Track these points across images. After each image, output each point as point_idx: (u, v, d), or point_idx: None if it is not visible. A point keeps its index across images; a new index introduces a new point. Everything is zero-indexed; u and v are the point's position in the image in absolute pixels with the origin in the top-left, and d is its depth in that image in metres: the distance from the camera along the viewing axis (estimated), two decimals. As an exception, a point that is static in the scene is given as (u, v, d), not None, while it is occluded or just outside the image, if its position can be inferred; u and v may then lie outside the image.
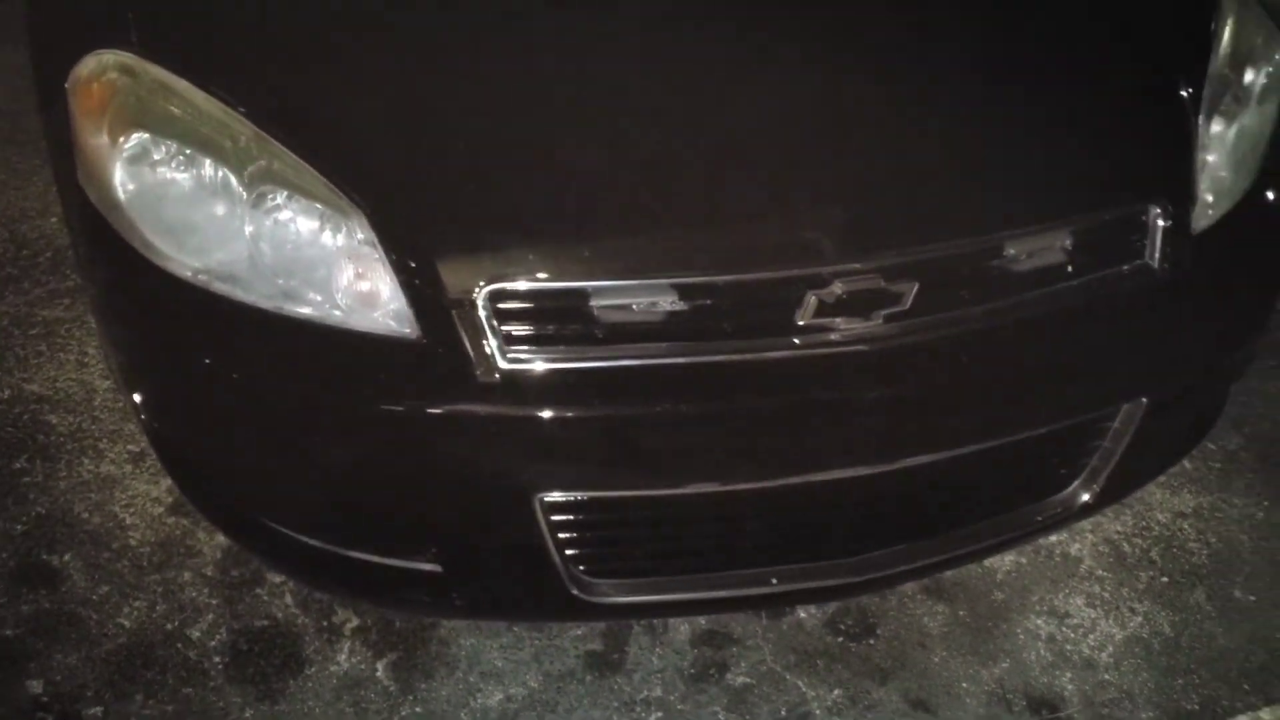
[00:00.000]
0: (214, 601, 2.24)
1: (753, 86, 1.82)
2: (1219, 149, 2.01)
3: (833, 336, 1.73)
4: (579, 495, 1.76)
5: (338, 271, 1.70)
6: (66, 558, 2.31)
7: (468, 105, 1.76)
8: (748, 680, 2.16)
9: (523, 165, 1.72)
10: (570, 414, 1.69)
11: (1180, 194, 1.92)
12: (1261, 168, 2.10)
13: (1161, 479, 2.62)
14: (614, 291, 1.68)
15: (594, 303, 1.68)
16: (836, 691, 2.15)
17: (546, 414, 1.68)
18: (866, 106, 1.83)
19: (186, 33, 1.85)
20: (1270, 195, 2.10)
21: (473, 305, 1.65)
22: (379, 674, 2.14)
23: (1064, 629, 2.29)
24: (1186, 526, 2.52)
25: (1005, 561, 2.41)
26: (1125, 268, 1.89)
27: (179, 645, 2.17)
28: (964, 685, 2.18)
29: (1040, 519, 2.03)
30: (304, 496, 1.86)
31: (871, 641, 2.25)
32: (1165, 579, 2.40)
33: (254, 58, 1.81)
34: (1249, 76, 2.08)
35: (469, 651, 2.18)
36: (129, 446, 2.51)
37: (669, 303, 1.69)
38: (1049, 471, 2.03)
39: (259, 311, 1.72)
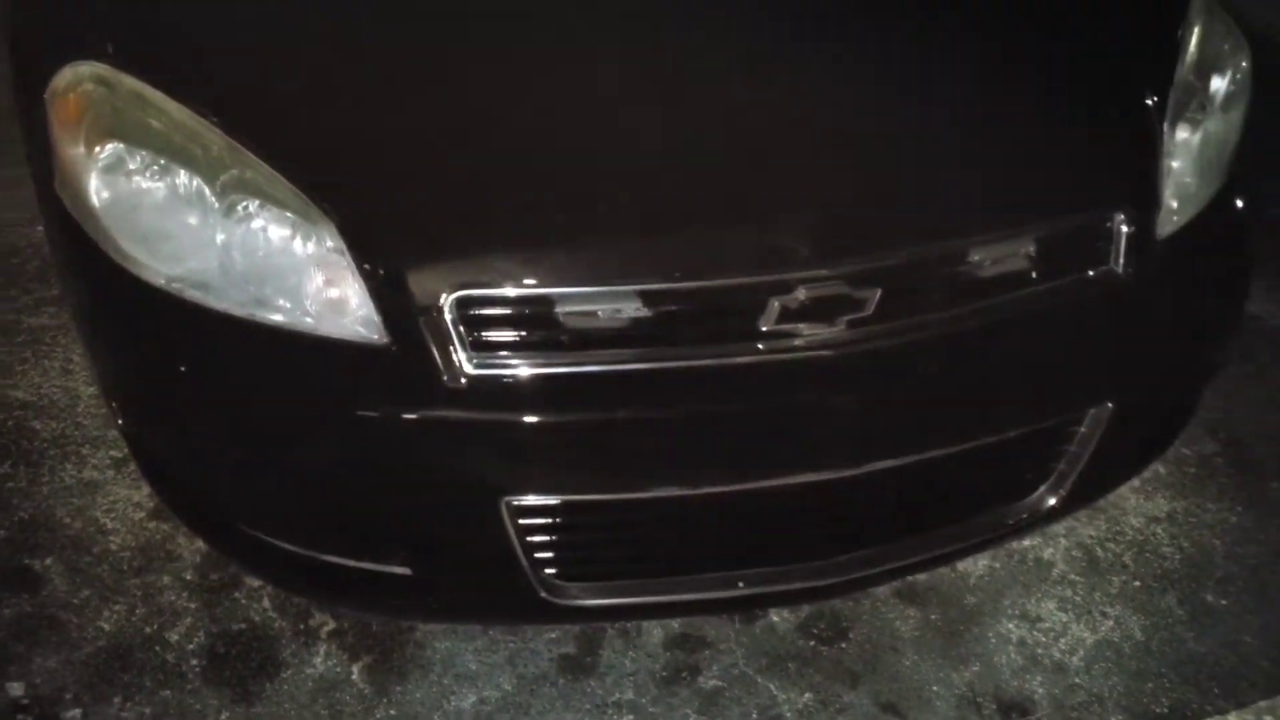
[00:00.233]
0: (193, 605, 2.27)
1: (717, 94, 1.84)
2: (1184, 156, 2.03)
3: (797, 342, 1.75)
4: (545, 499, 1.78)
5: (308, 279, 1.73)
6: (48, 562, 2.33)
7: (435, 115, 1.78)
8: (719, 683, 2.18)
9: (489, 174, 1.74)
10: (536, 419, 1.71)
11: (1145, 200, 1.94)
12: (1228, 173, 2.12)
13: (1135, 483, 2.65)
14: (579, 298, 1.70)
15: (560, 309, 1.70)
16: (807, 695, 2.17)
17: (512, 419, 1.71)
18: (830, 114, 1.85)
19: (161, 45, 1.88)
20: (1236, 201, 2.13)
21: (439, 311, 1.68)
22: (354, 677, 2.17)
23: (1035, 633, 2.31)
24: (1160, 531, 2.54)
25: (978, 566, 2.43)
26: (1090, 273, 1.91)
27: (157, 648, 2.19)
28: (935, 689, 2.20)
29: (1008, 523, 2.04)
30: (276, 501, 1.88)
31: (843, 645, 2.27)
32: (1138, 583, 2.42)
33: (227, 69, 1.84)
34: (1214, 84, 2.10)
35: (444, 654, 2.20)
36: (111, 452, 2.53)
37: (634, 309, 1.71)
38: (1016, 476, 2.04)
39: (231, 319, 1.74)
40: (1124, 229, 1.91)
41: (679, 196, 1.75)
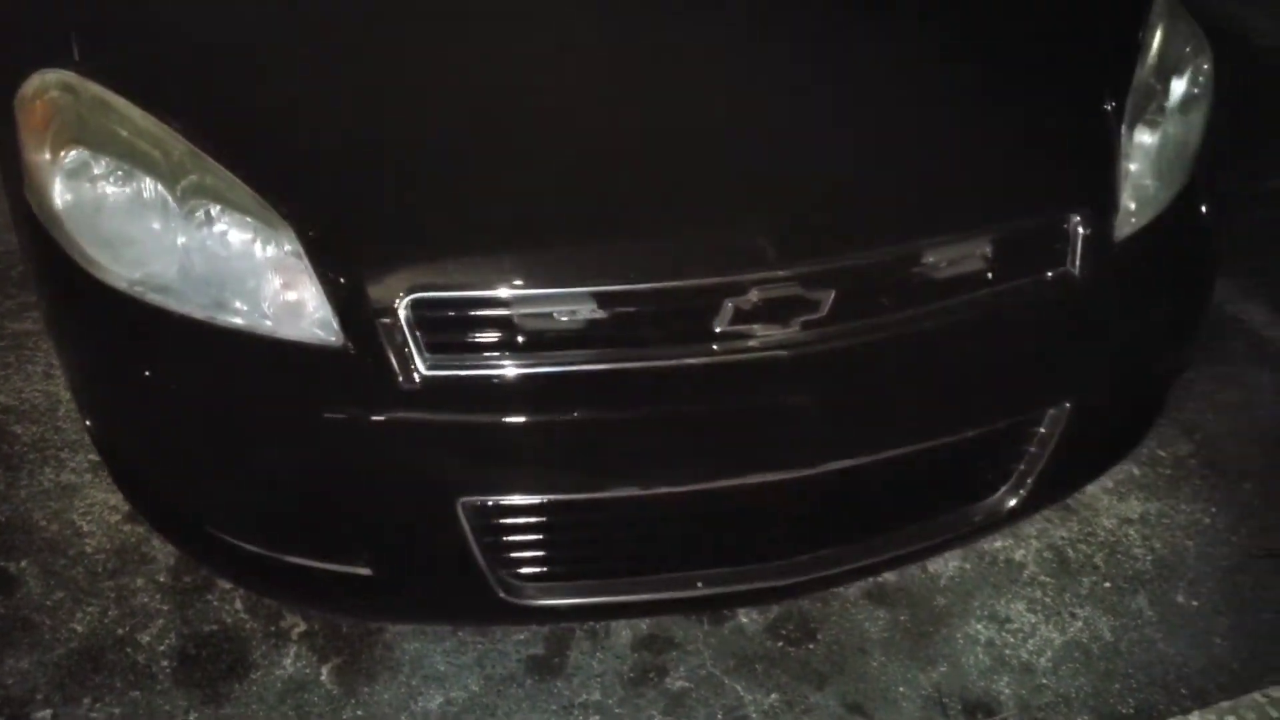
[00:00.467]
0: (165, 607, 2.29)
1: (670, 96, 1.86)
2: (1143, 158, 2.04)
3: (751, 343, 1.77)
4: (501, 499, 1.80)
5: (266, 282, 1.75)
6: (24, 564, 2.36)
7: (391, 121, 1.80)
8: (686, 684, 2.20)
9: (443, 178, 1.76)
10: (490, 419, 1.73)
11: (1101, 202, 1.95)
12: (1190, 175, 2.13)
13: (1109, 485, 2.66)
14: (532, 300, 1.72)
15: (512, 311, 1.72)
16: (774, 696, 2.18)
17: (466, 420, 1.73)
18: (785, 115, 1.87)
19: (126, 53, 1.90)
20: (1198, 202, 2.14)
21: (394, 313, 1.69)
22: (323, 678, 2.18)
23: (1004, 634, 2.32)
24: (1132, 532, 2.54)
25: (949, 567, 2.44)
26: (1047, 275, 1.92)
27: (129, 650, 2.21)
28: (901, 689, 2.21)
29: (969, 523, 2.06)
30: (239, 503, 1.90)
31: (811, 646, 2.28)
32: (1108, 584, 2.43)
33: (189, 77, 1.86)
34: (1175, 86, 2.11)
35: (413, 655, 2.22)
36: (89, 456, 2.55)
37: (587, 310, 1.73)
38: (976, 476, 2.05)
39: (192, 321, 1.77)
40: (1080, 231, 1.92)
41: (631, 199, 1.77)
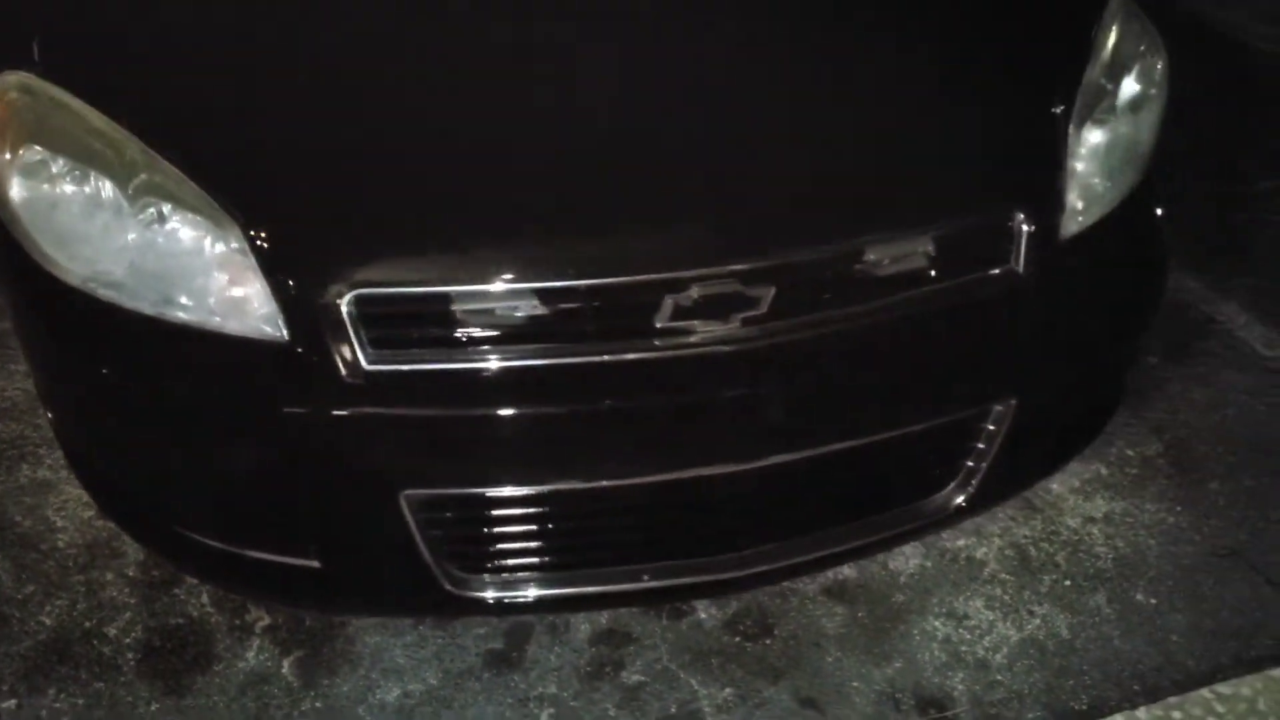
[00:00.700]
0: (133, 601, 2.33)
1: (609, 94, 1.89)
2: (1091, 157, 2.05)
3: (691, 339, 1.79)
4: (444, 492, 1.83)
5: (214, 278, 1.79)
6: (-4, 559, 2.41)
7: (336, 122, 1.84)
8: (642, 678, 2.22)
9: (386, 176, 1.79)
10: (432, 414, 1.77)
11: (1046, 201, 1.97)
12: (1143, 173, 2.14)
13: (1075, 484, 2.67)
14: (473, 296, 1.75)
15: (455, 306, 1.75)
16: (728, 690, 2.20)
17: (409, 414, 1.76)
18: (725, 112, 1.89)
19: (84, 56, 1.95)
20: (1148, 202, 2.15)
21: (337, 309, 1.73)
22: (284, 670, 2.22)
23: (960, 630, 2.33)
24: (1095, 531, 2.55)
25: (909, 564, 2.45)
26: (991, 272, 1.94)
27: (95, 642, 2.25)
28: (855, 685, 2.22)
29: (916, 519, 2.07)
30: (193, 498, 1.94)
31: (768, 641, 2.29)
32: (1068, 582, 2.44)
33: (142, 79, 1.91)
34: (1126, 85, 2.12)
35: (373, 649, 2.25)
36: (65, 453, 2.60)
37: (527, 307, 1.76)
38: (922, 472, 2.07)
39: (143, 318, 1.80)
40: (1025, 229, 1.93)
41: (570, 196, 1.80)
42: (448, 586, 1.90)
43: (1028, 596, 2.40)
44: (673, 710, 2.17)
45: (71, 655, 2.23)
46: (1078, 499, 2.63)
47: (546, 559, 1.97)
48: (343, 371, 1.74)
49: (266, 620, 2.30)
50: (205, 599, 2.33)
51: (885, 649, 2.29)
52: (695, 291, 1.77)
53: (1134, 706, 2.16)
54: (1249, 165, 3.89)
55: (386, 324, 1.75)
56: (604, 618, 2.32)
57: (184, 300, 1.79)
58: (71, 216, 1.83)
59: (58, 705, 2.14)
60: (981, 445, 2.04)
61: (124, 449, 1.96)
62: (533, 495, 1.87)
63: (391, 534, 1.84)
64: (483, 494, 1.86)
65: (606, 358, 1.79)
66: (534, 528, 1.93)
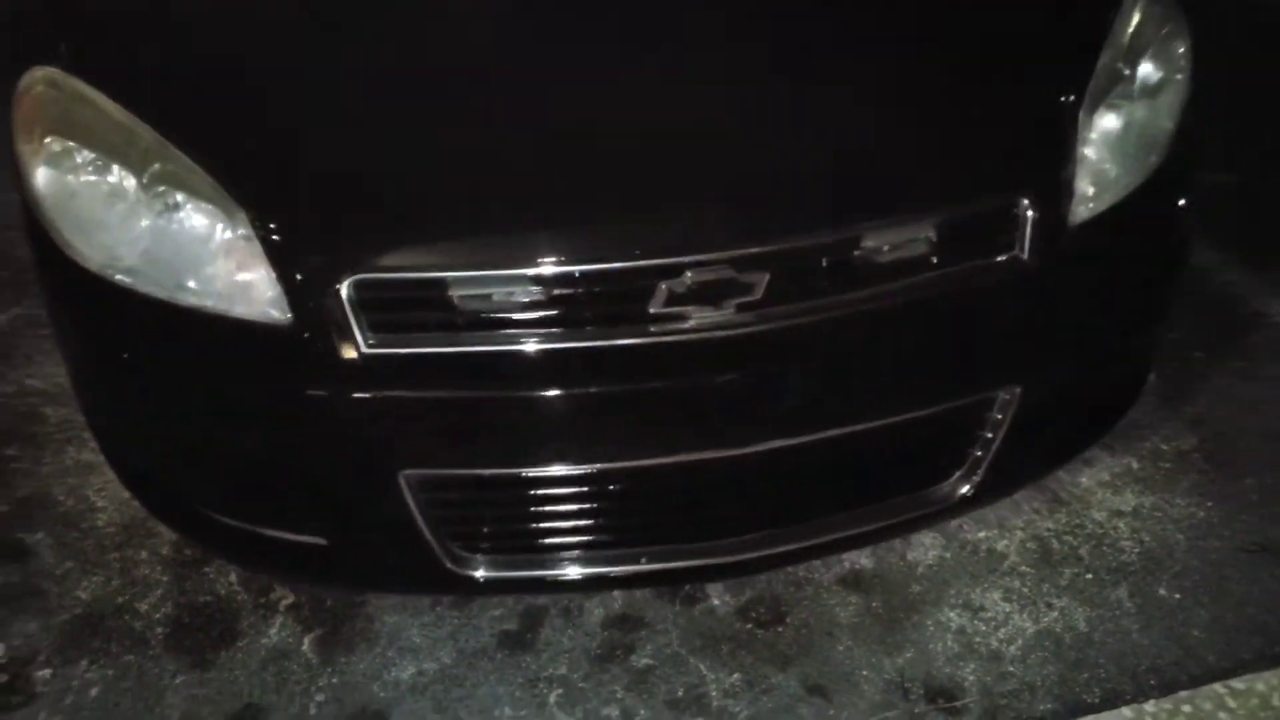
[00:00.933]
0: (165, 578, 2.41)
1: (606, 83, 1.91)
2: (1103, 143, 2.03)
3: (685, 324, 1.81)
4: (442, 472, 1.87)
5: (223, 264, 1.85)
6: (39, 536, 2.50)
7: (339, 113, 1.89)
8: (651, 662, 2.24)
9: (386, 165, 1.84)
10: (428, 396, 1.81)
11: (1053, 187, 1.95)
12: (1163, 161, 2.10)
13: (1105, 478, 2.63)
14: (469, 282, 1.79)
15: (451, 291, 1.79)
16: (736, 675, 2.22)
17: (406, 396, 1.81)
18: (723, 97, 1.90)
19: (106, 51, 2.03)
20: (1166, 189, 2.11)
21: (337, 294, 1.78)
22: (304, 647, 2.28)
23: (976, 622, 2.31)
24: (1122, 525, 2.52)
25: (928, 555, 2.44)
26: (995, 259, 1.93)
27: (127, 617, 2.34)
28: (864, 673, 2.22)
29: (920, 508, 2.07)
30: (206, 475, 2.01)
31: (780, 629, 2.30)
32: (1090, 576, 2.40)
33: (159, 73, 1.98)
34: (1144, 69, 2.09)
35: (391, 628, 2.30)
36: (109, 436, 2.70)
37: (523, 292, 1.79)
38: (927, 460, 2.06)
39: (156, 301, 1.87)
40: (1030, 215, 1.92)
41: (566, 184, 1.83)
42: (449, 565, 1.94)
43: (1047, 589, 2.38)
44: (679, 694, 2.19)
45: (104, 629, 2.31)
46: (1106, 492, 2.59)
47: (543, 540, 2.00)
48: (342, 354, 1.79)
49: (290, 599, 2.37)
50: (233, 578, 2.41)
51: (898, 639, 2.29)
52: (689, 277, 1.79)
53: (1143, 700, 2.13)
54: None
55: (385, 308, 1.80)
56: (617, 603, 2.35)
57: (194, 285, 1.85)
58: (91, 204, 1.91)
59: (89, 675, 2.23)
60: (988, 434, 2.02)
61: (143, 429, 2.03)
62: (527, 477, 1.90)
63: (392, 512, 1.88)
64: (479, 475, 1.90)
65: (600, 343, 1.81)
66: (530, 509, 1.97)
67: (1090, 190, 2.00)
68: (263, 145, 1.88)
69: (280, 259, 1.80)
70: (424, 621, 2.32)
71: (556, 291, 1.80)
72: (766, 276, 1.81)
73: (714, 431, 1.87)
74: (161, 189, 1.87)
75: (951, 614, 2.33)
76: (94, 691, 2.19)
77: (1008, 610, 2.34)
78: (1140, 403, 2.77)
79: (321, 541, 1.97)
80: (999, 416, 2.00)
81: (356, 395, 1.81)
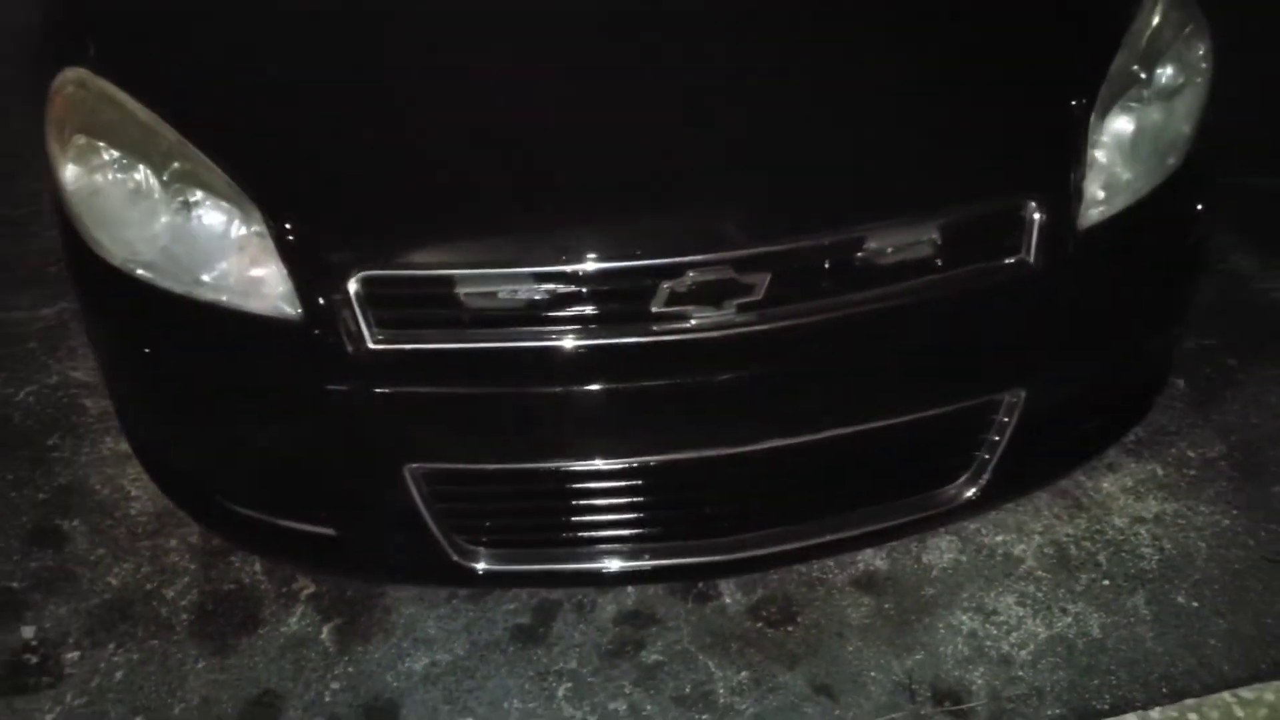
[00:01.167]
0: (192, 566, 2.48)
1: (610, 84, 1.93)
2: (1115, 146, 2.01)
3: (686, 324, 1.83)
4: (444, 467, 1.91)
5: (236, 260, 1.90)
6: (75, 523, 2.58)
7: (351, 114, 1.93)
8: (660, 658, 2.26)
9: (394, 166, 1.88)
10: (432, 391, 1.85)
11: (1059, 190, 1.94)
12: (1180, 164, 2.08)
13: (1128, 484, 2.61)
14: (474, 279, 1.83)
15: (456, 289, 1.83)
16: (744, 673, 2.23)
17: (410, 390, 1.85)
18: (725, 98, 1.92)
19: (130, 53, 2.09)
20: (1182, 192, 2.09)
21: (345, 290, 1.82)
22: (323, 636, 2.33)
23: (988, 626, 2.31)
24: (1143, 531, 2.49)
25: (943, 558, 2.44)
26: (1000, 261, 1.92)
27: (154, 603, 2.40)
28: (872, 674, 2.23)
29: (924, 510, 2.07)
30: (222, 466, 2.07)
31: (790, 629, 2.31)
32: (1106, 582, 2.39)
33: (181, 74, 2.03)
34: (1160, 71, 2.07)
35: (407, 620, 2.35)
36: (145, 427, 2.77)
37: (526, 290, 1.83)
38: (931, 462, 2.06)
39: (174, 296, 1.93)
40: (1036, 218, 1.91)
41: (570, 184, 1.86)
42: (454, 557, 1.98)
43: (1062, 595, 2.36)
44: (687, 690, 2.21)
45: (132, 614, 2.38)
46: (1128, 499, 2.57)
47: (546, 535, 2.03)
48: (350, 349, 1.84)
49: (311, 589, 2.42)
50: (258, 567, 2.47)
51: (908, 641, 2.29)
52: (690, 277, 1.81)
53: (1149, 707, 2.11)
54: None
55: (391, 304, 1.84)
56: (630, 599, 2.37)
57: (210, 280, 1.91)
58: (115, 201, 1.97)
59: (115, 659, 2.30)
60: (994, 437, 2.02)
61: (165, 421, 2.10)
62: (529, 472, 1.94)
63: (397, 505, 1.93)
64: (482, 469, 1.93)
65: (601, 341, 1.84)
66: (536, 504, 2.00)
67: (1101, 193, 1.99)
68: (277, 144, 1.93)
69: (291, 255, 1.85)
70: (440, 614, 2.36)
71: (560, 290, 1.82)
72: (767, 277, 1.82)
73: (713, 430, 1.89)
74: (180, 187, 1.92)
75: (963, 617, 2.33)
76: (119, 674, 2.26)
77: (1021, 615, 2.33)
78: (1168, 408, 2.76)
79: (330, 532, 2.01)
80: (1004, 419, 2.00)
81: (363, 390, 1.85)
